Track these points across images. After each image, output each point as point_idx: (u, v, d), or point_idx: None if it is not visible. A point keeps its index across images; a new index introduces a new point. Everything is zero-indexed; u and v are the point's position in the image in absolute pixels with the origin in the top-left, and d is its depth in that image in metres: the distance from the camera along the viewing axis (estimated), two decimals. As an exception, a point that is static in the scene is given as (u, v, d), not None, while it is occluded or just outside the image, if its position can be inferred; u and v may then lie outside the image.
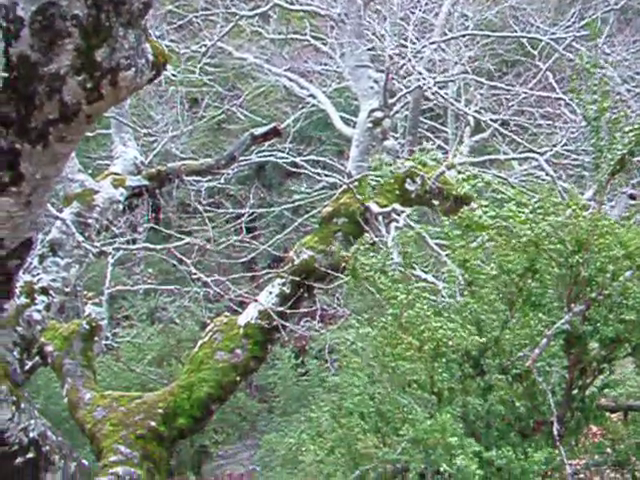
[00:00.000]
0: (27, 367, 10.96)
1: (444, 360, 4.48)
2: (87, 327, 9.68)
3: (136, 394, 8.97)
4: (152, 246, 9.04)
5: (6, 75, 3.19)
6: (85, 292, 11.26)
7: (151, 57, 3.35)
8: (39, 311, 6.64)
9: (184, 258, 8.29)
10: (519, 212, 4.54)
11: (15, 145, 3.37)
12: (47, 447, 6.31)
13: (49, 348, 9.60)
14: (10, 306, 5.82)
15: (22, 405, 6.02)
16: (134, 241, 11.76)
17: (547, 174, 9.01)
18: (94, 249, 6.60)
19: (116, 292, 13.22)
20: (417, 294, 4.66)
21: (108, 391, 9.33)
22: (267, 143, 10.91)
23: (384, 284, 4.71)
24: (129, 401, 8.69)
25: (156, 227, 10.77)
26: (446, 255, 5.67)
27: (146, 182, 7.59)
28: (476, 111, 12.41)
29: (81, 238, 6.57)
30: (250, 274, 12.58)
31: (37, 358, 10.35)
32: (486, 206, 4.97)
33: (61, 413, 10.95)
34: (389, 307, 4.58)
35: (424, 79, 10.09)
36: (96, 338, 9.99)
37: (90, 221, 7.01)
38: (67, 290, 6.93)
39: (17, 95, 3.21)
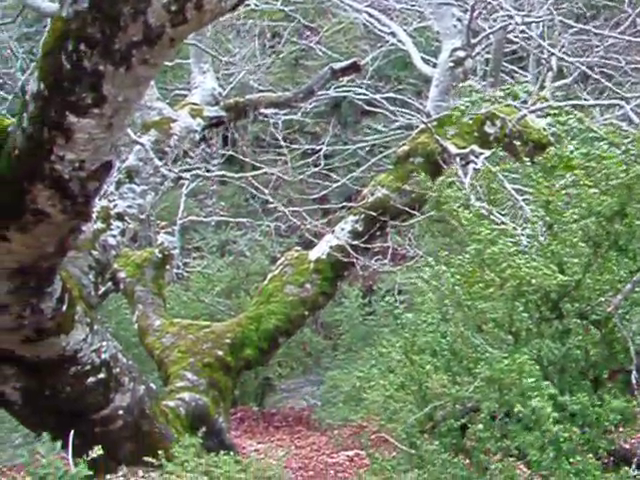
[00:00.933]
0: (100, 292, 11.23)
1: (523, 300, 4.42)
2: (159, 256, 9.84)
3: (204, 323, 9.13)
4: (229, 174, 9.04)
5: (92, -6, 3.17)
6: (158, 221, 11.43)
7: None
8: (114, 236, 6.74)
9: (261, 187, 8.29)
10: (611, 153, 4.40)
11: (99, 67, 3.37)
12: (117, 369, 6.46)
13: (122, 275, 9.80)
14: (88, 229, 5.94)
15: (95, 327, 6.15)
16: (208, 172, 11.83)
17: (632, 123, 8.71)
18: (171, 175, 6.63)
19: (188, 223, 13.37)
20: (500, 232, 4.58)
21: (177, 319, 9.51)
22: (345, 80, 10.81)
23: (467, 218, 4.63)
24: (198, 330, 8.85)
25: (234, 154, 10.71)
26: (527, 197, 5.56)
27: (223, 113, 7.59)
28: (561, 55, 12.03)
29: (160, 163, 6.61)
30: (325, 206, 12.52)
31: (110, 284, 10.60)
32: (577, 143, 4.82)
33: (130, 339, 11.19)
34: (471, 243, 4.51)
35: (510, 17, 9.79)
36: (167, 267, 10.16)
37: (167, 149, 7.05)
38: (142, 217, 7.01)
39: (102, 16, 3.19)
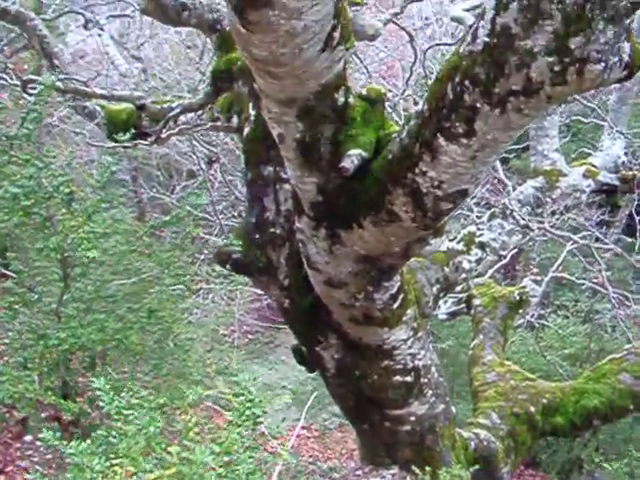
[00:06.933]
0: (451, 310, 11.69)
1: None
2: (516, 297, 9.97)
3: (530, 375, 9.10)
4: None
5: (487, 40, 3.47)
6: (532, 267, 11.55)
7: (626, 57, 3.38)
8: (470, 261, 7.05)
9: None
10: None
11: (476, 104, 3.69)
12: (425, 379, 6.77)
13: (476, 302, 10.11)
14: (435, 243, 6.31)
15: (419, 334, 6.51)
16: (597, 239, 11.67)
17: None
18: (533, 225, 6.78)
19: (568, 281, 13.23)
20: None
21: (510, 362, 9.59)
22: None
23: None
24: (522, 379, 8.88)
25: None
26: None
27: (617, 182, 7.52)
28: None
29: (516, 211, 6.78)
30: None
31: (463, 306, 10.99)
32: None
33: (465, 364, 11.45)
34: None
35: None
36: (520, 311, 10.26)
37: (547, 200, 7.19)
38: (502, 253, 7.24)
39: (491, 60, 3.50)
